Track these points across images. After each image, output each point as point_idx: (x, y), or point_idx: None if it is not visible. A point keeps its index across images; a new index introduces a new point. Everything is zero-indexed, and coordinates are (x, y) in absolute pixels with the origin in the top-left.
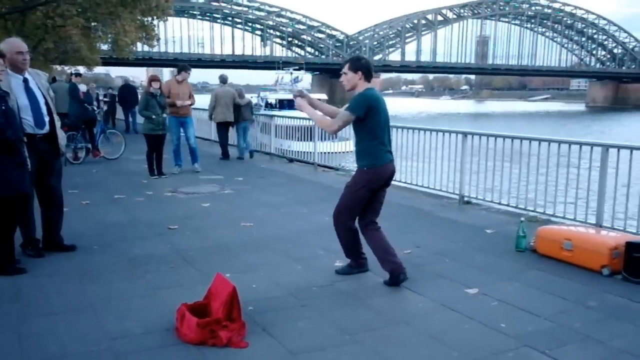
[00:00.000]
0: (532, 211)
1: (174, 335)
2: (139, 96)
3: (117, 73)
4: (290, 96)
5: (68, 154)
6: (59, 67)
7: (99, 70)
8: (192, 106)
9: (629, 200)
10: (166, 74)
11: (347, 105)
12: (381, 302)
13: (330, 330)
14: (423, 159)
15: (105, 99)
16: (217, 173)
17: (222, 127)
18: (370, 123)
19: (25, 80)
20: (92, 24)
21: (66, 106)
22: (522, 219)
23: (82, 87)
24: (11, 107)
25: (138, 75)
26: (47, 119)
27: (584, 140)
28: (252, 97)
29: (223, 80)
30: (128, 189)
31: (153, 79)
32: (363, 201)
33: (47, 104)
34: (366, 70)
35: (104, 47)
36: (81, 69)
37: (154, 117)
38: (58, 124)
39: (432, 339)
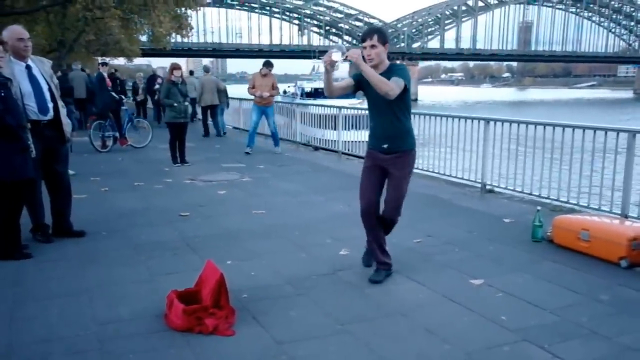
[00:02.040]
0: (556, 200)
1: (162, 322)
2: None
3: (158, 64)
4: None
5: (96, 142)
6: (99, 59)
7: (141, 61)
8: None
9: None
10: (205, 63)
11: (397, 76)
12: (381, 292)
13: (322, 320)
14: (445, 146)
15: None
16: (240, 161)
17: (207, 110)
18: (408, 98)
19: (28, 67)
20: (130, 15)
21: (84, 93)
22: (539, 207)
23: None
24: (12, 94)
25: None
26: (50, 105)
27: (610, 126)
28: (289, 87)
29: (206, 69)
30: (149, 177)
31: (175, 67)
32: None
33: (50, 90)
34: (389, 43)
35: (143, 38)
36: (122, 60)
37: (175, 104)
38: (63, 110)
39: (426, 332)
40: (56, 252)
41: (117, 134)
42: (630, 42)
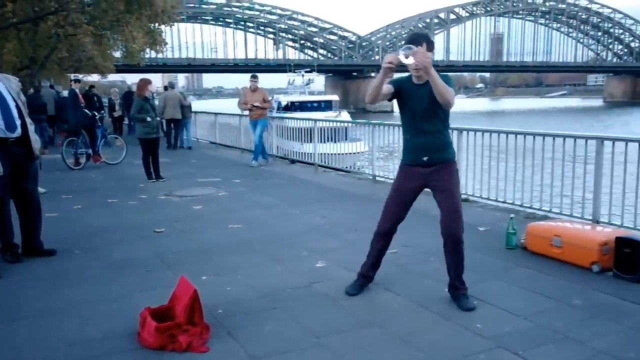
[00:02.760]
0: (529, 207)
1: (134, 341)
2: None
3: (133, 80)
4: (302, 98)
5: (69, 159)
6: (72, 76)
7: (115, 77)
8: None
9: (626, 194)
10: (181, 79)
11: (448, 85)
12: (356, 303)
13: (298, 334)
14: None
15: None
16: (216, 175)
17: (170, 123)
18: (448, 110)
19: None
20: (102, 31)
21: (53, 110)
22: (512, 215)
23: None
24: None
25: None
26: (18, 122)
27: (578, 134)
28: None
29: (171, 85)
30: (123, 193)
31: (148, 82)
32: None
33: (18, 107)
34: None
35: (117, 54)
36: (96, 77)
37: (148, 119)
38: (31, 127)
39: (401, 341)
40: (26, 271)
41: (90, 151)
42: (599, 52)
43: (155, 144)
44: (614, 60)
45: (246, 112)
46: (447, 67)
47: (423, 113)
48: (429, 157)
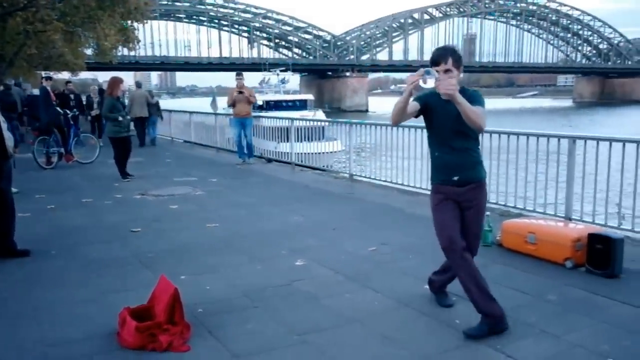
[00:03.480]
0: (504, 205)
1: (114, 341)
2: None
3: (105, 78)
4: (277, 97)
5: (40, 158)
6: (43, 73)
7: (86, 75)
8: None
9: (598, 192)
10: (154, 77)
11: (476, 103)
12: (337, 301)
13: (279, 332)
14: (397, 155)
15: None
16: (192, 175)
17: (138, 122)
18: None
19: None
20: (73, 28)
21: (19, 107)
22: (488, 213)
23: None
24: None
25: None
26: None
27: (552, 133)
28: None
29: (138, 85)
30: (97, 193)
31: (120, 81)
32: None
33: None
34: None
35: (88, 51)
36: (66, 74)
37: (120, 118)
38: (4, 125)
39: (383, 338)
40: None
41: (62, 150)
42: (568, 53)
43: (128, 142)
44: (583, 61)
45: (222, 111)
46: (420, 67)
47: (452, 130)
48: (460, 177)
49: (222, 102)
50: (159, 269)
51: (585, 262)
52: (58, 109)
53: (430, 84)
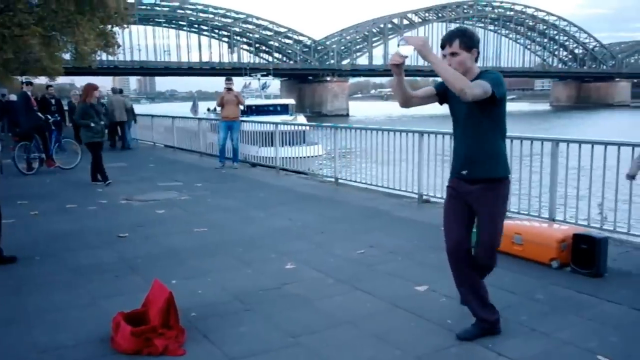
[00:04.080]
0: None
1: (108, 346)
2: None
3: (83, 83)
4: (258, 102)
5: (21, 164)
6: (23, 78)
7: (64, 80)
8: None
9: (581, 193)
10: (133, 82)
11: (483, 79)
12: (328, 303)
13: (272, 334)
14: (382, 159)
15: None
16: (177, 180)
17: (117, 126)
18: (502, 113)
19: None
20: (51, 33)
21: None
22: None
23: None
24: None
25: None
26: None
27: (535, 136)
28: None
29: (119, 91)
30: (81, 198)
31: (94, 87)
32: None
33: None
34: (479, 46)
35: (66, 56)
36: (44, 79)
37: (92, 125)
38: None
39: (376, 338)
40: None
41: (44, 156)
42: (545, 58)
43: (100, 147)
44: (560, 66)
45: (202, 115)
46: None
47: (465, 116)
48: (469, 171)
49: (203, 107)
50: (148, 273)
51: (570, 262)
52: (39, 114)
53: (405, 50)
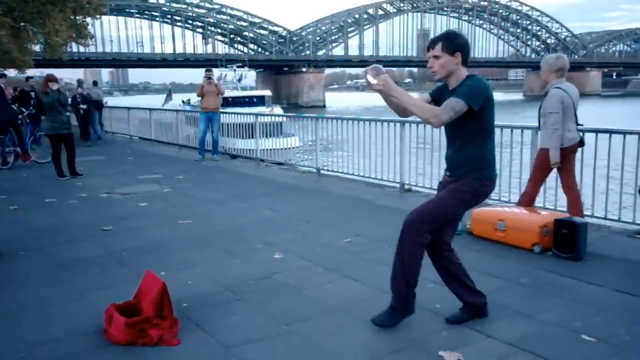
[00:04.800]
0: None
1: (101, 338)
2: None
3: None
4: (235, 94)
5: None
6: None
7: (33, 72)
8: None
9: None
10: (105, 74)
11: (456, 94)
12: (318, 292)
13: (265, 323)
14: (364, 149)
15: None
16: (157, 172)
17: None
18: (484, 121)
19: None
20: (21, 24)
21: None
22: None
23: None
24: None
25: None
26: None
27: (516, 124)
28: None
29: (80, 83)
30: (60, 192)
31: (50, 79)
32: (455, 216)
33: None
34: (465, 50)
35: (36, 48)
36: (12, 72)
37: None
38: None
39: (367, 324)
40: None
41: (19, 150)
42: (518, 48)
43: (68, 139)
44: (533, 56)
45: (178, 107)
46: (376, 62)
47: (449, 126)
48: (451, 173)
49: (178, 99)
50: (136, 266)
51: (552, 247)
52: (13, 107)
53: (370, 79)
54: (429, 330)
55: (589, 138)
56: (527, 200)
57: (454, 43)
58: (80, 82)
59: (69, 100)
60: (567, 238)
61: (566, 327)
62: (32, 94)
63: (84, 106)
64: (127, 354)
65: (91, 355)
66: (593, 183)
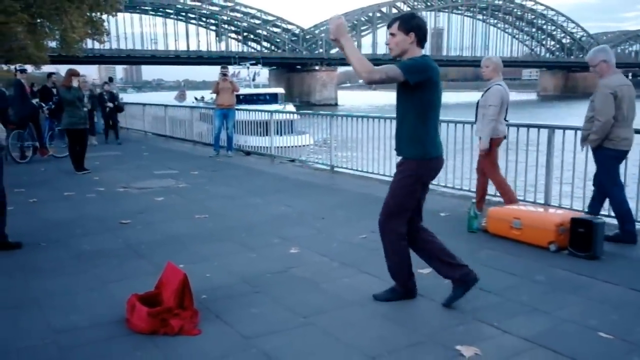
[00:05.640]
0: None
1: (123, 327)
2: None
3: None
4: (248, 91)
5: (14, 152)
6: (4, 66)
7: (49, 68)
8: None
9: (575, 179)
10: (119, 71)
11: (398, 63)
12: (335, 286)
13: (284, 314)
14: (377, 146)
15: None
16: (172, 167)
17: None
18: (423, 99)
19: None
20: (38, 20)
21: None
22: (473, 200)
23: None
24: None
25: (91, 74)
26: None
27: (531, 123)
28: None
29: (110, 79)
30: (78, 186)
31: (73, 73)
32: (415, 200)
33: None
34: (420, 32)
35: (52, 44)
36: (28, 68)
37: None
38: None
39: (383, 318)
40: None
41: (37, 144)
42: (533, 47)
43: (82, 134)
44: (547, 55)
45: (191, 104)
46: (389, 61)
47: (396, 100)
48: (397, 149)
49: (191, 96)
50: (154, 258)
51: (567, 245)
52: (34, 101)
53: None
54: (445, 324)
55: None
56: (481, 191)
57: (409, 23)
58: (110, 79)
59: (96, 97)
60: (583, 237)
61: (583, 324)
62: (54, 90)
63: (110, 104)
64: (150, 342)
65: (114, 343)
66: None
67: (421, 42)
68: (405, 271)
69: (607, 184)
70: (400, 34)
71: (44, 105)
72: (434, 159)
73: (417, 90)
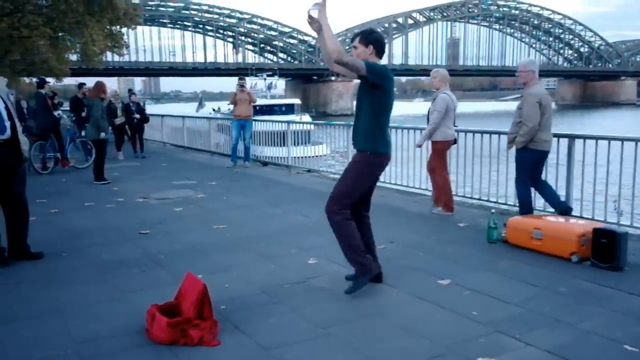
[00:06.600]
0: (504, 204)
1: (143, 337)
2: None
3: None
4: (265, 102)
5: (36, 164)
6: (27, 79)
7: (70, 81)
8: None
9: (596, 188)
10: (138, 83)
11: (364, 61)
12: (354, 297)
13: (303, 325)
14: (394, 157)
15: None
16: (190, 178)
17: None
18: (377, 100)
19: None
20: (60, 34)
21: None
22: (493, 210)
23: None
24: None
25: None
26: (7, 123)
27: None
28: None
29: (129, 91)
30: (98, 197)
31: (101, 86)
32: (364, 188)
33: (7, 108)
34: (378, 44)
35: (73, 57)
36: (50, 80)
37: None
38: (20, 129)
39: (403, 329)
40: (15, 275)
41: (59, 155)
42: (550, 56)
43: (103, 145)
44: (565, 64)
45: (209, 115)
46: (405, 71)
47: (357, 96)
48: (353, 145)
49: (208, 107)
50: (173, 268)
51: (590, 256)
52: (57, 113)
53: (314, 13)
54: (466, 336)
55: (628, 146)
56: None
57: (368, 38)
58: (131, 91)
59: (123, 108)
60: (606, 247)
61: (607, 337)
62: (84, 101)
63: (137, 116)
64: (170, 353)
65: (135, 353)
66: (632, 192)
67: (379, 53)
68: (358, 251)
69: (518, 178)
70: (360, 46)
71: (65, 116)
72: (383, 155)
73: (375, 92)
